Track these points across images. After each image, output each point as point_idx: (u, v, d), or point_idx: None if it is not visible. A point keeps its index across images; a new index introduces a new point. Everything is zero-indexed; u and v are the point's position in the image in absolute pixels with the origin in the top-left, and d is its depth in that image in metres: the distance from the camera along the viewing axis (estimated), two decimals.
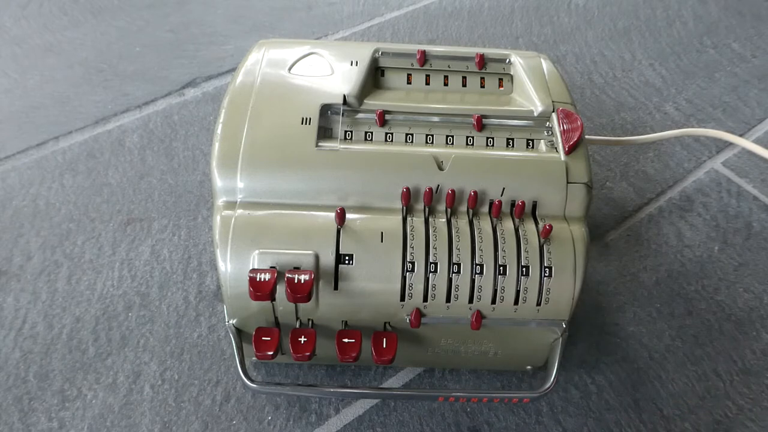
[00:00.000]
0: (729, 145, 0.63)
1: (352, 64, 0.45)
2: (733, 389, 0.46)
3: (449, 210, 0.39)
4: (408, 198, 0.38)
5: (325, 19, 0.77)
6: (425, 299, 0.38)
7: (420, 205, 0.39)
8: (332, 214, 0.37)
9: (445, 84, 0.46)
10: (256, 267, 0.37)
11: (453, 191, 0.38)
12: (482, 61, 0.46)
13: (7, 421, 0.43)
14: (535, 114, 0.43)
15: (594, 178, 0.39)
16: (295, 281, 0.35)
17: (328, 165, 0.39)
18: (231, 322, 0.39)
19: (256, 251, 0.37)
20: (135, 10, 0.77)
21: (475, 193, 0.39)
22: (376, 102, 0.43)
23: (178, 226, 0.54)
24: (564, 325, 0.39)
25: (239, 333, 0.40)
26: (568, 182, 0.40)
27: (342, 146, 0.40)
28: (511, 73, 0.47)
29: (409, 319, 0.38)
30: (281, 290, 0.36)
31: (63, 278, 0.50)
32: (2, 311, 0.48)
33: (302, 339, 0.37)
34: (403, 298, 0.38)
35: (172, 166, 0.59)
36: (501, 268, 0.38)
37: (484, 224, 0.39)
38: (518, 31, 0.77)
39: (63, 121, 0.63)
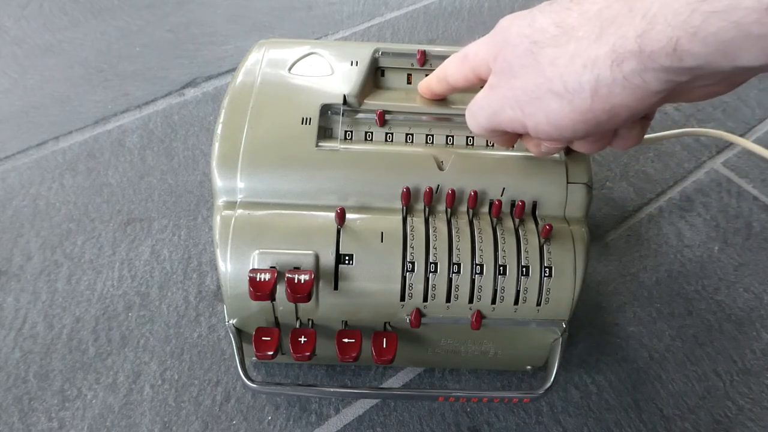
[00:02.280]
0: (729, 145, 0.63)
1: (352, 64, 0.45)
2: (733, 389, 0.46)
3: (449, 210, 0.39)
4: (408, 198, 0.38)
5: (325, 19, 0.77)
6: (425, 299, 0.38)
7: (420, 205, 0.39)
8: (332, 214, 0.37)
9: None
10: (256, 267, 0.37)
11: (453, 191, 0.38)
12: None
13: (7, 421, 0.43)
14: None
15: (594, 178, 0.39)
16: (295, 281, 0.35)
17: (328, 165, 0.39)
18: (231, 322, 0.39)
19: (256, 251, 0.37)
20: (135, 10, 0.77)
21: (475, 193, 0.39)
22: (376, 102, 0.43)
23: (178, 226, 0.54)
24: (564, 325, 0.39)
25: (239, 333, 0.40)
26: (568, 182, 0.40)
27: (342, 146, 0.40)
28: None
29: (409, 319, 0.38)
30: (281, 290, 0.36)
31: (63, 278, 0.50)
32: (2, 311, 0.48)
33: (302, 339, 0.37)
34: (403, 298, 0.38)
35: (172, 166, 0.59)
36: (501, 268, 0.38)
37: (484, 224, 0.39)
38: None
39: (63, 121, 0.63)
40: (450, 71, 0.39)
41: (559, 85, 0.30)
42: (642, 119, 0.34)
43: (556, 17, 0.30)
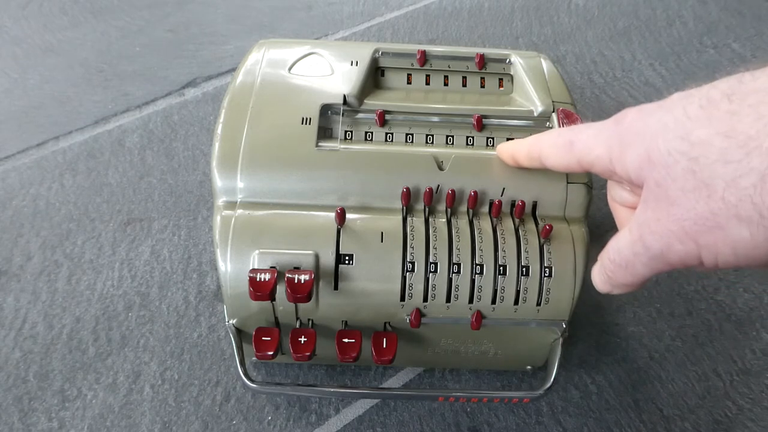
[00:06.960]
0: None
1: (352, 64, 0.45)
2: (733, 389, 0.46)
3: (449, 210, 0.39)
4: (408, 198, 0.38)
5: (325, 19, 0.77)
6: (425, 299, 0.38)
7: (420, 205, 0.39)
8: (332, 214, 0.37)
9: (445, 84, 0.46)
10: (256, 267, 0.37)
11: (453, 191, 0.38)
12: (482, 61, 0.46)
13: (7, 421, 0.43)
14: (535, 114, 0.43)
15: (594, 178, 0.39)
16: (295, 281, 0.35)
17: (328, 165, 0.39)
18: (231, 322, 0.39)
19: (256, 251, 0.37)
20: (135, 10, 0.77)
21: (475, 193, 0.39)
22: (376, 102, 0.43)
23: (178, 226, 0.54)
24: (564, 325, 0.39)
25: (239, 333, 0.40)
26: (568, 182, 0.40)
27: (342, 146, 0.40)
28: (511, 73, 0.47)
29: (409, 319, 0.38)
30: (281, 290, 0.36)
31: (63, 278, 0.50)
32: (2, 311, 0.48)
33: (302, 339, 0.37)
34: (403, 298, 0.38)
35: (172, 166, 0.59)
36: (501, 268, 0.38)
37: (484, 224, 0.39)
38: (518, 31, 0.77)
39: (63, 121, 0.63)
40: (548, 154, 0.35)
41: (749, 210, 0.24)
42: None
43: (720, 126, 0.25)
